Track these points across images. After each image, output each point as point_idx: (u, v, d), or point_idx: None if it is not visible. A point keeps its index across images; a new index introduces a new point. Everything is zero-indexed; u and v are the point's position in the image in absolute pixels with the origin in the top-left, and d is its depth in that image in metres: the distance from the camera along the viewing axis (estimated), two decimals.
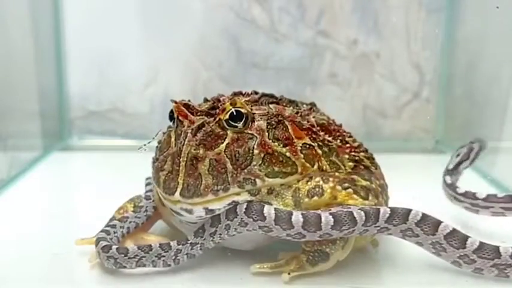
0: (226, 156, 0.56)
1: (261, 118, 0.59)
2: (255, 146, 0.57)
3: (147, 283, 0.60)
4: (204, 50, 1.10)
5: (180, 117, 0.59)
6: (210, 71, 1.10)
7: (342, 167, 0.61)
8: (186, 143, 0.57)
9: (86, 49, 1.10)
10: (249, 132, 0.58)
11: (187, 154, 0.57)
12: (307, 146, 0.59)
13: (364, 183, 0.61)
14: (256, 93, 0.66)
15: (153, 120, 1.11)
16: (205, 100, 0.65)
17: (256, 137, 0.57)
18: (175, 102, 0.60)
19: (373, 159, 0.66)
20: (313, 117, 0.63)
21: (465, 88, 1.09)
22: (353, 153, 0.63)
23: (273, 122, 0.59)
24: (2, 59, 0.94)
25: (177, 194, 0.56)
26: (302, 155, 0.58)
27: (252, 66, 1.10)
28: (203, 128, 0.57)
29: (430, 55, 1.11)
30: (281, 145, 0.58)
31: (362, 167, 0.63)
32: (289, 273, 0.57)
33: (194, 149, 0.57)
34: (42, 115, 1.07)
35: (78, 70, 1.10)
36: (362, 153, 0.64)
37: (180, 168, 0.57)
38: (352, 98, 1.11)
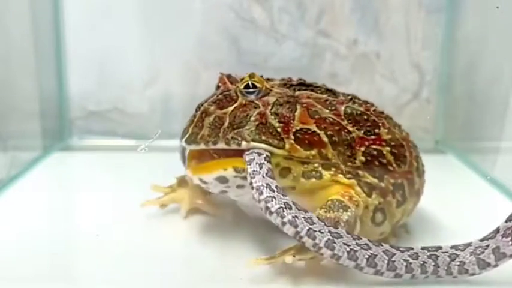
0: (229, 117, 0.63)
1: (274, 95, 0.64)
2: (254, 114, 0.62)
3: (146, 282, 0.60)
4: (204, 50, 1.10)
5: (219, 84, 0.67)
6: (210, 71, 1.10)
7: (352, 160, 0.63)
8: (209, 100, 0.65)
9: (86, 49, 1.10)
10: (256, 102, 0.63)
11: (203, 108, 0.64)
12: (308, 131, 0.62)
13: (369, 179, 0.63)
14: (302, 80, 0.70)
15: (153, 120, 1.11)
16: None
17: (260, 107, 0.63)
18: (222, 74, 0.68)
19: (404, 156, 0.66)
20: (347, 106, 0.65)
21: (465, 88, 1.09)
22: (373, 146, 0.64)
23: (282, 101, 0.63)
24: (2, 59, 0.94)
25: (184, 139, 0.64)
26: (293, 137, 0.62)
27: (252, 66, 1.10)
28: (226, 92, 0.65)
29: (430, 55, 1.11)
30: (276, 120, 0.62)
31: (377, 162, 0.64)
32: (294, 256, 0.57)
33: (208, 105, 0.64)
34: (42, 115, 1.07)
35: (78, 70, 1.10)
36: (387, 148, 0.65)
37: (195, 119, 0.64)
38: None
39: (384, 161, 0.64)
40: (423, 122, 1.13)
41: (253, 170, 0.58)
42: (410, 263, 0.55)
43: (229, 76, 0.67)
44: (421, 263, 0.56)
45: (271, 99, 0.64)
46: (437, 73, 1.11)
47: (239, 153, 0.61)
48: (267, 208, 0.56)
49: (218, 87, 0.68)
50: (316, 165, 0.62)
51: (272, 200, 0.56)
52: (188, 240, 0.68)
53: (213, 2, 1.08)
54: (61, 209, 0.81)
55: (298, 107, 0.63)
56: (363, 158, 0.63)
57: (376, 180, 0.63)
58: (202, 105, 0.65)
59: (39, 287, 0.59)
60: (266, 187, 0.57)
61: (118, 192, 0.86)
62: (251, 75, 0.64)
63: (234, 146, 0.61)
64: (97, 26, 1.09)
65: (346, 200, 0.61)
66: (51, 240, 0.69)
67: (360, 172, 0.63)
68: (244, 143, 0.61)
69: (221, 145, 0.61)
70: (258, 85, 0.64)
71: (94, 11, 1.08)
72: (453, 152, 1.09)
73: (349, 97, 0.68)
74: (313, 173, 0.62)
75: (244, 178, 0.61)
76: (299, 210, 0.56)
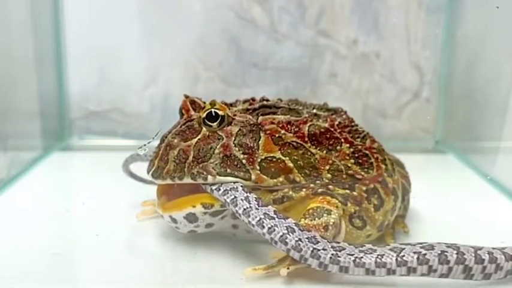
0: (193, 150, 0.62)
1: (237, 124, 0.64)
2: (218, 146, 0.62)
3: (147, 283, 0.60)
4: (204, 50, 1.10)
5: (182, 111, 0.66)
6: (210, 71, 1.10)
7: (320, 179, 0.63)
8: (172, 131, 0.65)
9: (86, 49, 1.10)
10: (219, 133, 0.63)
11: (167, 141, 0.64)
12: (273, 159, 0.62)
13: (341, 191, 0.64)
14: (265, 100, 0.69)
15: (153, 120, 1.11)
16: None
17: (224, 139, 0.63)
18: (185, 98, 0.67)
19: (370, 163, 0.67)
20: (311, 125, 0.65)
21: (465, 88, 1.09)
22: (336, 163, 0.64)
23: (245, 130, 0.63)
24: (2, 59, 0.94)
25: (150, 173, 0.64)
26: (259, 167, 0.62)
27: (252, 66, 1.10)
28: (189, 122, 0.64)
29: (430, 55, 1.11)
30: (241, 151, 0.62)
31: (344, 175, 0.64)
32: (288, 268, 0.58)
33: (172, 137, 0.64)
34: (42, 115, 1.07)
35: (78, 70, 1.10)
36: (351, 160, 0.65)
37: (160, 152, 0.64)
38: (352, 98, 1.11)
39: (351, 172, 0.65)
40: (423, 122, 1.13)
41: (245, 208, 0.58)
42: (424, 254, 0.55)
43: (192, 102, 0.66)
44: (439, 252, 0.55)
45: (234, 129, 0.63)
46: (437, 73, 1.11)
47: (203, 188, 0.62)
48: (271, 239, 0.56)
49: (181, 112, 0.67)
50: (286, 190, 0.63)
51: (274, 230, 0.56)
52: (188, 240, 0.68)
53: (213, 2, 1.08)
54: (61, 209, 0.81)
55: (261, 135, 0.63)
56: (329, 175, 0.64)
57: (347, 191, 0.64)
58: (166, 136, 0.65)
59: (39, 287, 0.59)
60: (265, 218, 0.57)
61: (118, 192, 0.86)
62: (212, 103, 0.64)
63: (200, 181, 0.61)
64: (97, 26, 1.09)
65: (325, 204, 0.62)
66: (51, 240, 0.69)
67: (330, 187, 0.64)
68: (210, 178, 0.61)
69: (187, 180, 0.62)
70: (220, 113, 0.63)
71: (94, 11, 1.08)
72: (453, 152, 1.09)
73: (314, 111, 0.69)
74: (285, 198, 0.63)
75: (213, 215, 0.62)
76: (302, 230, 0.56)
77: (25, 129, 1.03)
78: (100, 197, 0.84)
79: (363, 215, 0.64)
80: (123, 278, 0.60)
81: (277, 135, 0.64)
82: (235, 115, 0.65)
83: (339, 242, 0.57)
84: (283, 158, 0.63)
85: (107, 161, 1.03)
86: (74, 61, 1.10)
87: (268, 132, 0.64)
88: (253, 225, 0.58)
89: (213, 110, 0.63)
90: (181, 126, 0.65)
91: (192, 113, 0.65)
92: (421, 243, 0.56)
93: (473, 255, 0.55)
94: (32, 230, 0.72)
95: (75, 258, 0.65)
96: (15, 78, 0.98)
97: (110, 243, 0.68)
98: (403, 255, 0.55)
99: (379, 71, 1.11)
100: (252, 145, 0.63)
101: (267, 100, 0.70)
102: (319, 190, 0.63)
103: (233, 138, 0.63)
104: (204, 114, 0.63)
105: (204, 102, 0.66)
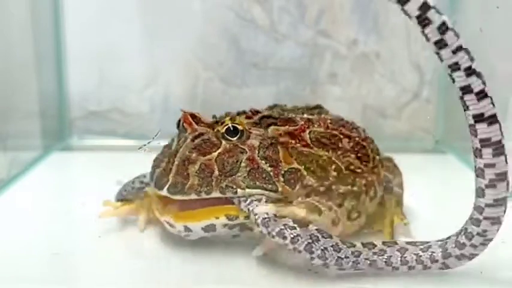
0: (216, 163, 0.62)
1: (256, 137, 0.64)
2: (244, 160, 0.62)
3: (149, 284, 0.60)
4: (204, 50, 1.10)
5: (184, 124, 0.65)
6: (210, 71, 1.11)
7: (326, 178, 0.64)
8: (183, 146, 0.63)
9: (86, 49, 1.10)
10: (242, 146, 0.63)
11: (182, 155, 0.63)
12: (293, 170, 0.63)
13: (343, 189, 0.65)
14: (257, 112, 0.69)
15: (153, 120, 1.11)
16: (214, 117, 0.69)
17: (247, 152, 0.63)
18: (184, 112, 0.66)
19: (367, 156, 0.69)
20: (310, 131, 0.66)
21: None
22: (341, 161, 0.66)
23: (266, 143, 0.64)
24: (2, 59, 0.94)
25: (165, 189, 0.62)
26: (283, 179, 0.62)
27: (252, 66, 1.10)
28: (202, 136, 0.64)
29: (430, 55, 1.11)
30: (267, 164, 0.63)
31: (347, 171, 0.66)
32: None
33: (188, 152, 0.63)
34: (42, 115, 1.07)
35: (78, 70, 1.10)
36: (352, 155, 0.67)
37: (173, 167, 0.63)
38: (352, 98, 1.11)
39: (352, 167, 0.66)
40: (423, 122, 1.13)
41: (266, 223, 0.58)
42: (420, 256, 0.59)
43: (193, 116, 0.66)
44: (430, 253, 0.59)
45: (255, 142, 0.64)
46: (437, 73, 1.11)
47: (224, 200, 0.62)
48: (295, 249, 0.57)
49: (183, 126, 0.66)
50: (299, 199, 0.63)
51: (298, 240, 0.57)
52: (192, 241, 0.68)
53: (213, 2, 1.08)
54: (61, 209, 0.81)
55: (279, 147, 0.64)
56: (335, 173, 0.65)
57: (349, 187, 0.65)
58: (177, 150, 0.63)
59: (39, 287, 0.59)
60: (286, 228, 0.57)
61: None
62: (232, 118, 0.64)
63: (229, 194, 0.61)
64: (97, 25, 1.09)
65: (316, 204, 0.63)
66: (51, 240, 0.69)
67: (334, 186, 0.64)
68: (239, 191, 0.61)
69: (215, 194, 0.61)
70: (239, 127, 0.64)
71: (94, 11, 1.08)
72: (453, 152, 1.09)
73: (306, 118, 0.69)
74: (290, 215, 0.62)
75: (232, 227, 0.63)
76: (325, 238, 0.57)
77: (25, 129, 1.03)
78: (100, 197, 0.84)
79: (359, 208, 0.66)
80: (124, 279, 0.60)
81: (290, 147, 0.65)
82: (250, 129, 0.65)
83: (354, 245, 0.58)
84: (300, 167, 0.63)
85: (107, 161, 1.03)
86: (74, 61, 1.10)
87: (284, 145, 0.64)
88: (273, 237, 0.58)
89: (231, 124, 0.63)
90: (194, 141, 0.64)
91: (196, 126, 0.65)
92: (422, 244, 0.60)
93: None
94: (32, 230, 0.72)
95: (75, 259, 0.65)
96: (15, 78, 0.98)
97: (110, 243, 0.68)
98: (406, 256, 0.59)
99: (379, 71, 1.11)
100: (275, 158, 0.63)
101: (257, 111, 0.69)
102: (321, 188, 0.64)
103: (257, 152, 0.63)
104: (224, 129, 0.63)
105: (217, 120, 0.66)
